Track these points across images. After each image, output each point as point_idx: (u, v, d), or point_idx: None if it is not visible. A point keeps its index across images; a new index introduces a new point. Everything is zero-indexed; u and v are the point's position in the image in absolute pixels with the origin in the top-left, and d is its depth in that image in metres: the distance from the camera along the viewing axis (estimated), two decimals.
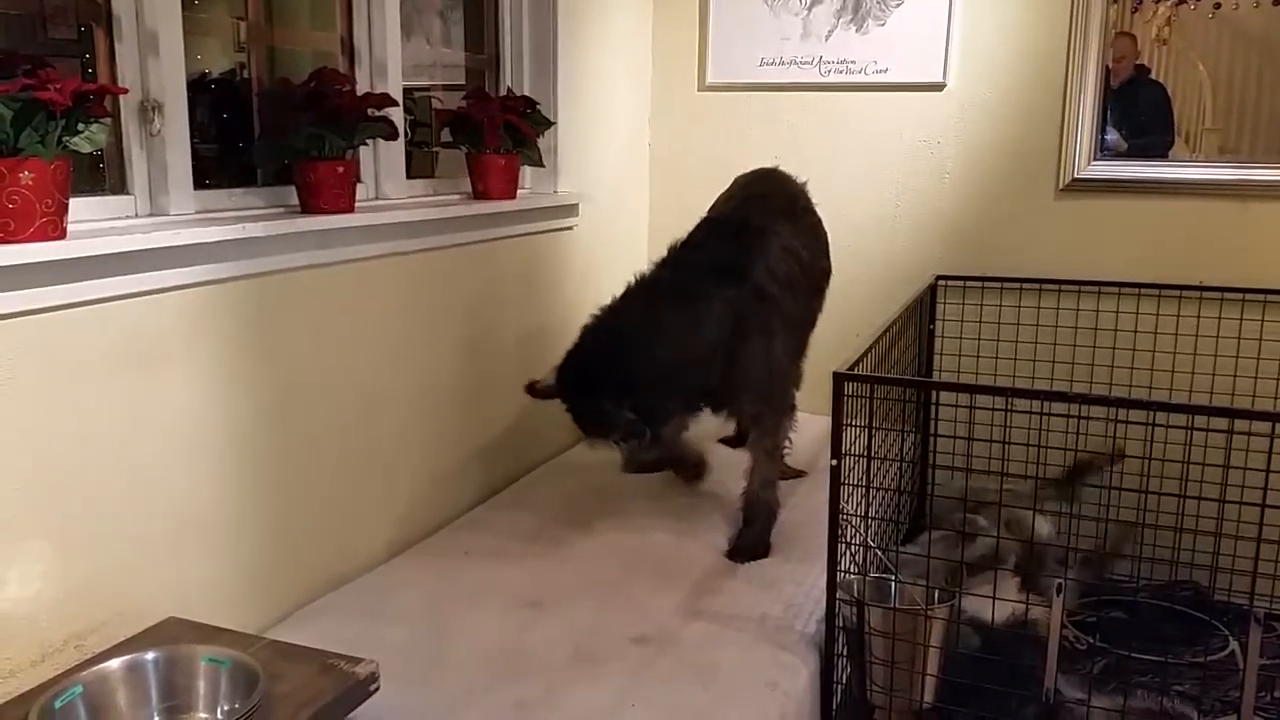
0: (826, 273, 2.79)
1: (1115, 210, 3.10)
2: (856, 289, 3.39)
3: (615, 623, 1.99)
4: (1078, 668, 2.52)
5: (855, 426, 1.89)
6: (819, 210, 2.80)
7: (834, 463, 1.88)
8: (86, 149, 1.51)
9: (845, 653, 2.01)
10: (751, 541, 2.41)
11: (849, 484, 1.90)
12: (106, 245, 1.54)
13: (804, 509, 2.63)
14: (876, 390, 1.90)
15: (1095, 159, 3.10)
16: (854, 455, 1.91)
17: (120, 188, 1.80)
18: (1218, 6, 2.93)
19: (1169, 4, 2.98)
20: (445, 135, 2.68)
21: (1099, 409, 1.70)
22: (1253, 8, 2.90)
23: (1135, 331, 3.06)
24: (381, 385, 2.29)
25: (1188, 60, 3.01)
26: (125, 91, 1.67)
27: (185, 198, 1.84)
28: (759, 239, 2.42)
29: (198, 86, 2.03)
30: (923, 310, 3.20)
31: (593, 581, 2.19)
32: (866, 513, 1.92)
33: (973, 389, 1.81)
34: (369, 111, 2.07)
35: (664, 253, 2.43)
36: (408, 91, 2.58)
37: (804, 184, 2.81)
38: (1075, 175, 3.11)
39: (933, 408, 3.11)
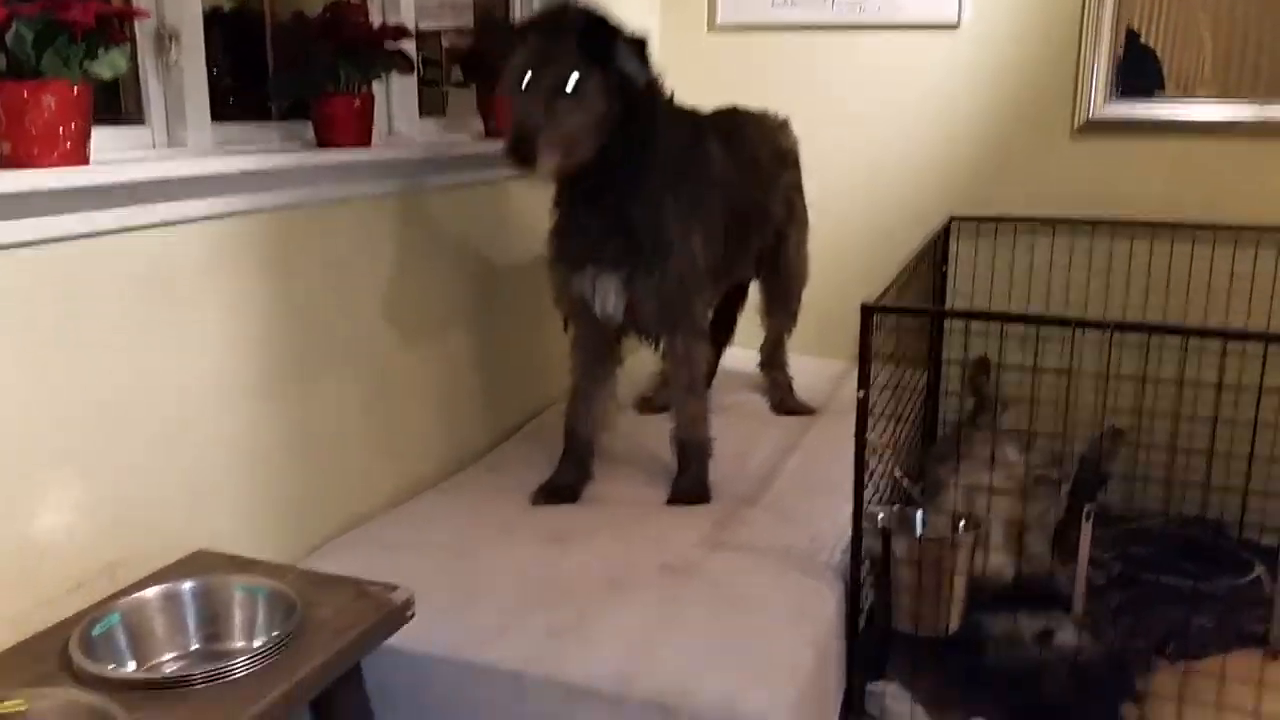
0: (761, 221, 2.68)
1: (1131, 151, 3.07)
2: (869, 231, 3.37)
3: (642, 554, 2.00)
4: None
5: (880, 358, 1.88)
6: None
7: (860, 394, 1.87)
8: (107, 75, 1.48)
9: (871, 581, 2.01)
10: (688, 486, 2.30)
11: (873, 415, 1.90)
12: (130, 172, 1.53)
13: (821, 445, 2.63)
14: (889, 324, 1.90)
15: (1111, 99, 3.07)
16: (878, 387, 1.91)
17: (137, 119, 1.77)
18: None
19: None
20: (456, 75, 2.65)
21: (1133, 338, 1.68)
22: None
23: (1150, 271, 3.05)
24: (400, 321, 2.28)
25: (1187, 11, 2.95)
26: (146, 15, 1.64)
27: (203, 129, 1.82)
28: (700, 145, 2.34)
29: (213, 20, 2.00)
30: (936, 251, 3.19)
31: (616, 517, 2.20)
32: (893, 443, 1.92)
33: (1004, 317, 1.80)
34: (385, 44, 2.04)
35: None
36: (418, 32, 2.54)
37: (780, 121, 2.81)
38: (1091, 116, 3.08)
39: (946, 340, 3.10)
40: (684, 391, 2.33)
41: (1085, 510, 1.77)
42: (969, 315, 1.99)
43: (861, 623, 1.99)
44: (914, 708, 2.01)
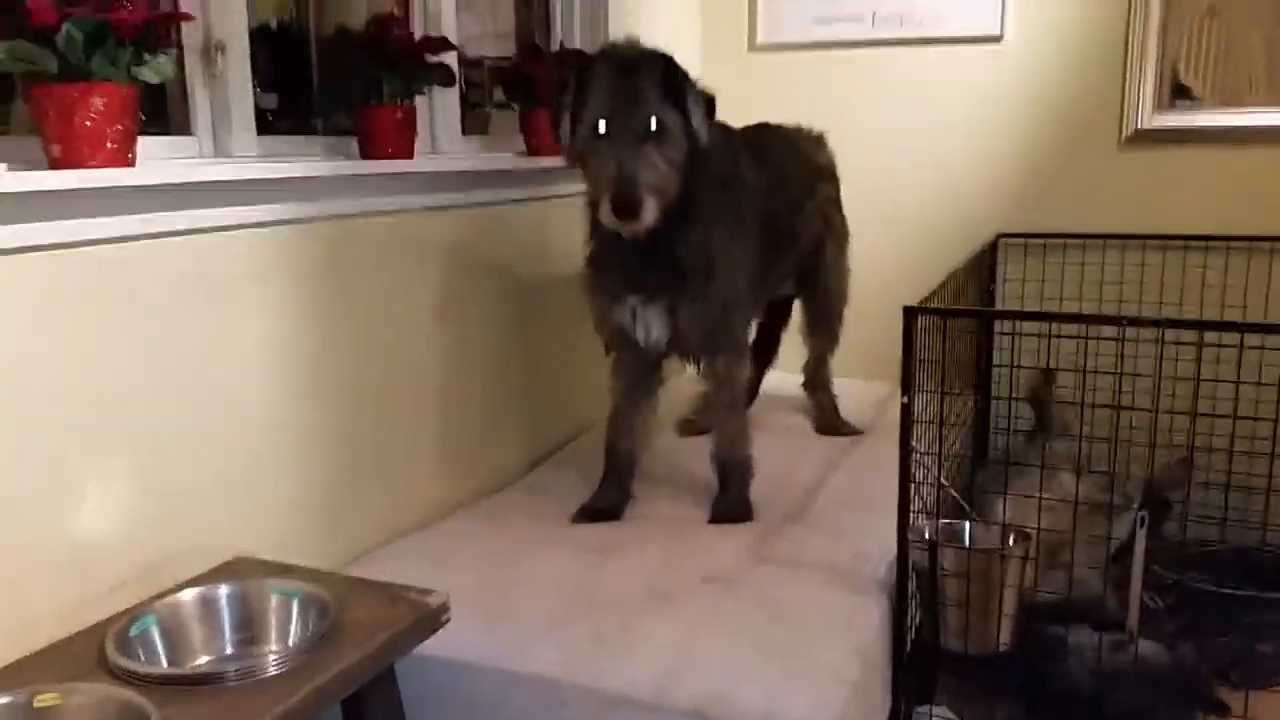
0: (796, 234, 2.62)
1: (1182, 161, 3.01)
2: (914, 250, 3.33)
3: (684, 565, 1.97)
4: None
5: (927, 363, 1.84)
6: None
7: (905, 399, 1.84)
8: (154, 79, 1.51)
9: (917, 597, 1.96)
10: (729, 505, 2.25)
11: (920, 421, 1.86)
12: (175, 174, 1.55)
13: (866, 464, 2.58)
14: (936, 334, 1.85)
15: (1161, 109, 3.01)
16: (926, 391, 1.87)
17: (184, 129, 1.81)
18: None
19: None
20: (499, 97, 2.67)
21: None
22: None
23: (1203, 285, 2.97)
24: (441, 337, 2.29)
25: (1238, 31, 2.90)
26: (191, 18, 1.67)
27: (248, 139, 1.84)
28: (736, 163, 2.31)
29: (259, 37, 2.03)
30: (983, 269, 3.14)
31: (657, 532, 2.16)
32: (940, 450, 1.87)
33: (1052, 317, 1.75)
34: (426, 57, 2.06)
35: None
36: (462, 58, 2.58)
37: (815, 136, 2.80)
38: (1139, 126, 3.03)
39: (997, 343, 3.04)
40: (725, 410, 2.29)
41: (1138, 516, 1.71)
42: (1016, 315, 1.95)
43: (909, 641, 1.94)
44: None
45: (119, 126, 1.46)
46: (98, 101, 1.42)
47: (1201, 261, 2.99)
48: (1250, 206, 2.94)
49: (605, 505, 2.29)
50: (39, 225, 1.41)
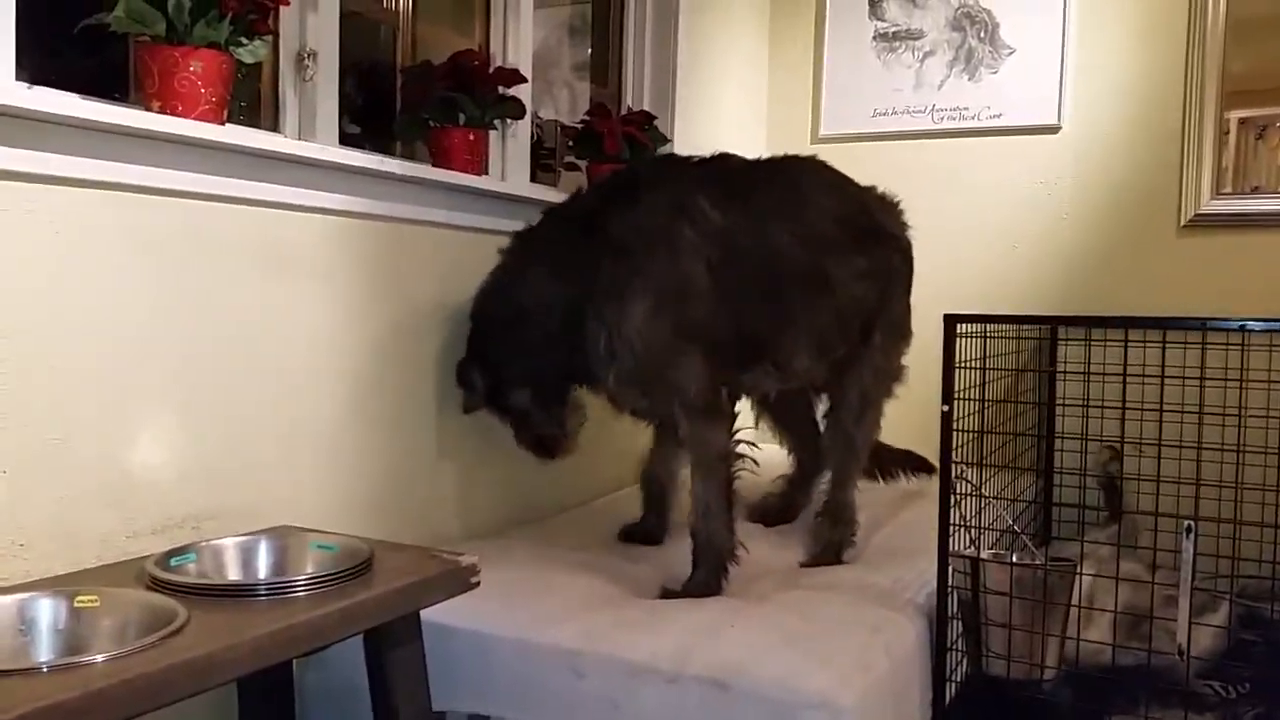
0: (832, 284, 2.19)
1: (1240, 246, 3.01)
2: None
3: None
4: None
5: (972, 367, 1.85)
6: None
7: (945, 408, 1.84)
8: (248, 60, 1.67)
9: (960, 620, 1.90)
10: (693, 589, 1.93)
11: (960, 430, 1.85)
12: (261, 139, 1.68)
13: (916, 520, 2.53)
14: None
15: (1217, 194, 3.04)
16: (967, 399, 1.87)
17: (273, 129, 1.96)
18: None
19: None
20: (568, 159, 2.83)
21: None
22: None
23: (1269, 371, 2.91)
24: None
25: None
26: (287, 4, 1.80)
27: (331, 140, 1.98)
28: (629, 192, 2.05)
29: (348, 70, 2.22)
30: (1042, 355, 3.13)
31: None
32: (982, 459, 1.86)
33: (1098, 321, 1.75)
34: (499, 89, 2.22)
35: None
36: (536, 120, 2.75)
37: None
38: (1197, 211, 3.05)
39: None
40: (701, 473, 1.99)
41: (1185, 525, 1.66)
42: (1056, 320, 1.94)
43: (952, 664, 1.87)
44: None
45: (213, 94, 1.61)
46: (196, 64, 1.57)
47: (1267, 339, 2.93)
48: None
49: (646, 528, 2.32)
50: (131, 167, 1.55)
